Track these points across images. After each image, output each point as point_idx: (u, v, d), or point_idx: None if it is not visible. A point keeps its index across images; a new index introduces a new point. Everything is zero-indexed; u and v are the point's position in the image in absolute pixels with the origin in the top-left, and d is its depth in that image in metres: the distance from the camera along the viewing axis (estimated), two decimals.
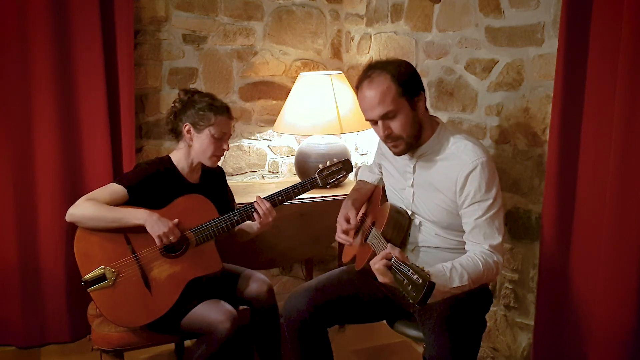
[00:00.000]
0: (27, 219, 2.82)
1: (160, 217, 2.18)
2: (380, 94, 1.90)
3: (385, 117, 1.93)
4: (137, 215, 2.17)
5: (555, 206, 1.98)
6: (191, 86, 3.15)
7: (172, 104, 2.36)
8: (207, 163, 2.33)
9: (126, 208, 2.19)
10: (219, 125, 2.27)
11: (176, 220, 2.21)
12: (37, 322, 2.91)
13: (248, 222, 2.35)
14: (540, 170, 2.19)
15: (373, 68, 1.95)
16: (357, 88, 1.99)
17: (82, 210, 2.17)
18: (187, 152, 2.33)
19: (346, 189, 2.98)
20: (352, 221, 2.15)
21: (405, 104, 1.92)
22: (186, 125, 2.28)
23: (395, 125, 1.94)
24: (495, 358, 2.53)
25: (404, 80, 1.91)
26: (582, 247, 1.93)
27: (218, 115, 2.27)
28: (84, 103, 2.82)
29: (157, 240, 2.16)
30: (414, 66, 2.02)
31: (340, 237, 2.16)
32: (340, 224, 2.16)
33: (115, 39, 2.82)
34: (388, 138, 1.97)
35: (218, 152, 2.32)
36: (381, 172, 2.32)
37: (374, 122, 1.97)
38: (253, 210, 2.29)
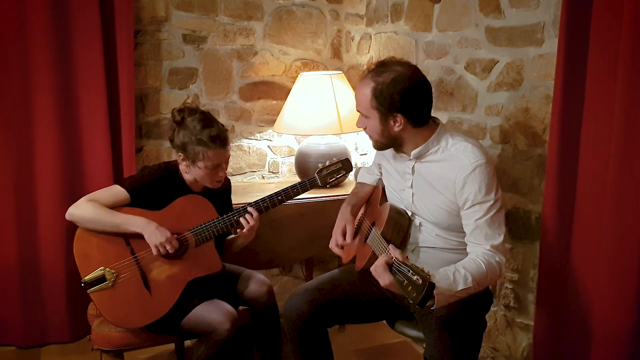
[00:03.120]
0: (27, 219, 2.82)
1: (159, 226, 2.17)
2: (358, 94, 2.00)
3: (361, 114, 2.02)
4: (136, 223, 2.16)
5: (555, 206, 1.98)
6: (191, 86, 3.16)
7: (170, 120, 2.30)
8: (209, 187, 2.31)
9: (126, 214, 2.18)
10: (210, 160, 2.19)
11: (175, 235, 2.21)
12: (37, 322, 2.91)
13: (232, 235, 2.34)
14: (540, 170, 2.19)
15: (374, 69, 1.98)
16: None
17: (82, 211, 2.17)
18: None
19: (347, 189, 2.98)
20: (348, 238, 2.14)
21: (376, 116, 1.96)
22: (180, 156, 2.25)
23: (368, 126, 2.02)
24: (495, 358, 2.53)
25: (381, 96, 1.92)
26: (582, 247, 1.93)
27: (209, 149, 2.17)
28: (84, 103, 2.82)
29: (153, 250, 2.16)
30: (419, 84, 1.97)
31: (334, 249, 2.17)
32: (337, 237, 2.16)
33: (115, 39, 2.82)
34: (364, 131, 2.07)
35: (216, 179, 2.27)
36: (381, 172, 2.32)
37: None
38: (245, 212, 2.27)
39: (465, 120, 2.54)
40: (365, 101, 1.96)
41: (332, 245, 2.18)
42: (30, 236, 2.84)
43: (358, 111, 2.03)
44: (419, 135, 1.99)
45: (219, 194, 2.42)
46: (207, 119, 2.23)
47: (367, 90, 1.94)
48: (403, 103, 1.93)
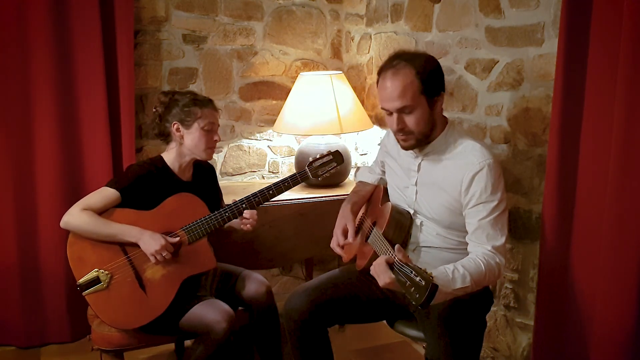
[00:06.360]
0: (27, 220, 2.82)
1: (153, 233, 2.17)
2: (402, 88, 1.88)
3: (402, 111, 1.92)
4: (131, 234, 2.17)
5: (556, 206, 1.98)
6: (191, 86, 3.16)
7: (154, 109, 2.37)
8: (203, 156, 2.33)
9: (120, 224, 2.19)
10: (207, 117, 2.29)
11: (176, 238, 2.22)
12: (37, 322, 2.91)
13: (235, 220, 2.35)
14: (540, 170, 2.19)
15: (399, 58, 1.93)
16: (379, 74, 1.97)
17: (78, 221, 2.17)
18: (179, 152, 2.33)
19: (347, 189, 2.98)
20: (350, 237, 2.14)
21: (424, 102, 1.91)
22: (174, 124, 2.29)
23: (410, 121, 1.93)
24: (495, 358, 2.53)
25: (427, 77, 1.89)
26: (582, 247, 1.92)
27: (203, 107, 2.30)
28: (84, 103, 2.82)
29: (151, 259, 2.17)
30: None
31: (335, 249, 2.16)
32: (337, 237, 2.16)
33: (115, 39, 2.82)
34: (400, 132, 1.96)
35: (211, 144, 2.33)
36: (383, 171, 2.32)
37: (389, 113, 1.95)
38: (244, 207, 2.29)
39: (465, 120, 2.54)
40: (412, 89, 1.88)
41: (333, 244, 2.17)
42: (30, 236, 2.84)
43: (398, 110, 1.91)
44: (440, 120, 2.00)
45: (206, 175, 2.47)
46: (194, 92, 2.38)
47: (411, 77, 1.87)
48: (442, 79, 1.94)
